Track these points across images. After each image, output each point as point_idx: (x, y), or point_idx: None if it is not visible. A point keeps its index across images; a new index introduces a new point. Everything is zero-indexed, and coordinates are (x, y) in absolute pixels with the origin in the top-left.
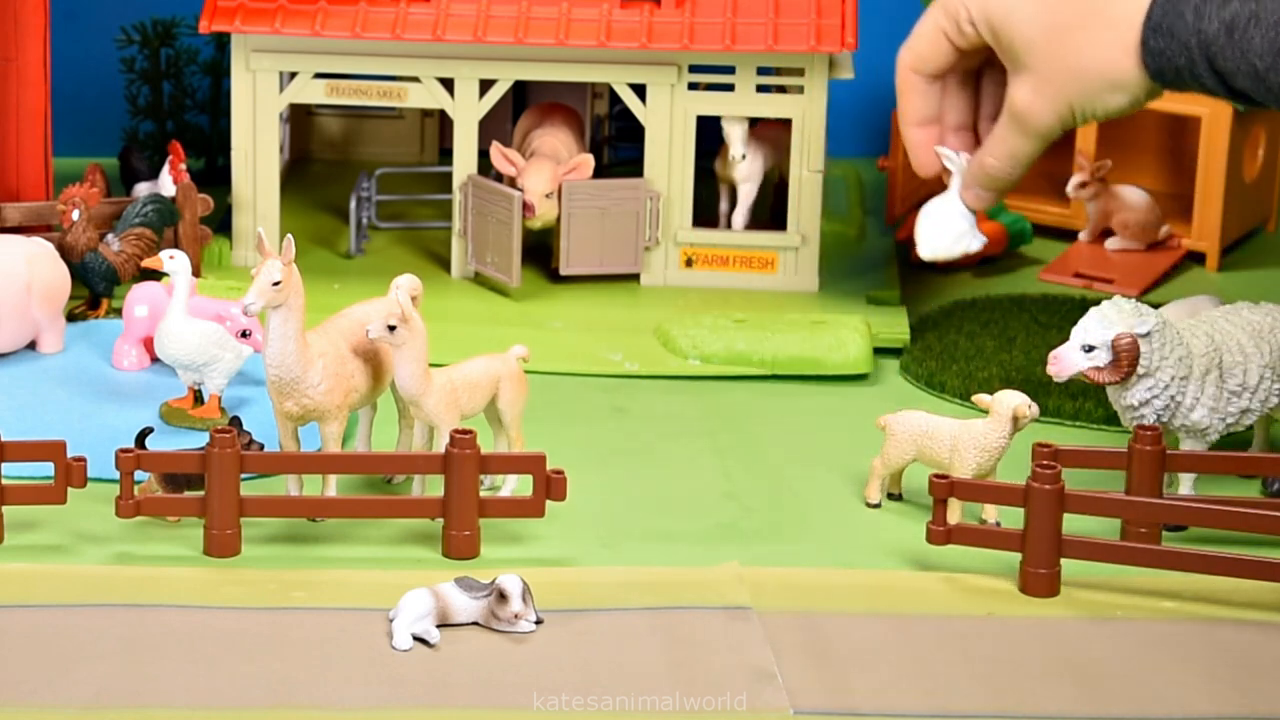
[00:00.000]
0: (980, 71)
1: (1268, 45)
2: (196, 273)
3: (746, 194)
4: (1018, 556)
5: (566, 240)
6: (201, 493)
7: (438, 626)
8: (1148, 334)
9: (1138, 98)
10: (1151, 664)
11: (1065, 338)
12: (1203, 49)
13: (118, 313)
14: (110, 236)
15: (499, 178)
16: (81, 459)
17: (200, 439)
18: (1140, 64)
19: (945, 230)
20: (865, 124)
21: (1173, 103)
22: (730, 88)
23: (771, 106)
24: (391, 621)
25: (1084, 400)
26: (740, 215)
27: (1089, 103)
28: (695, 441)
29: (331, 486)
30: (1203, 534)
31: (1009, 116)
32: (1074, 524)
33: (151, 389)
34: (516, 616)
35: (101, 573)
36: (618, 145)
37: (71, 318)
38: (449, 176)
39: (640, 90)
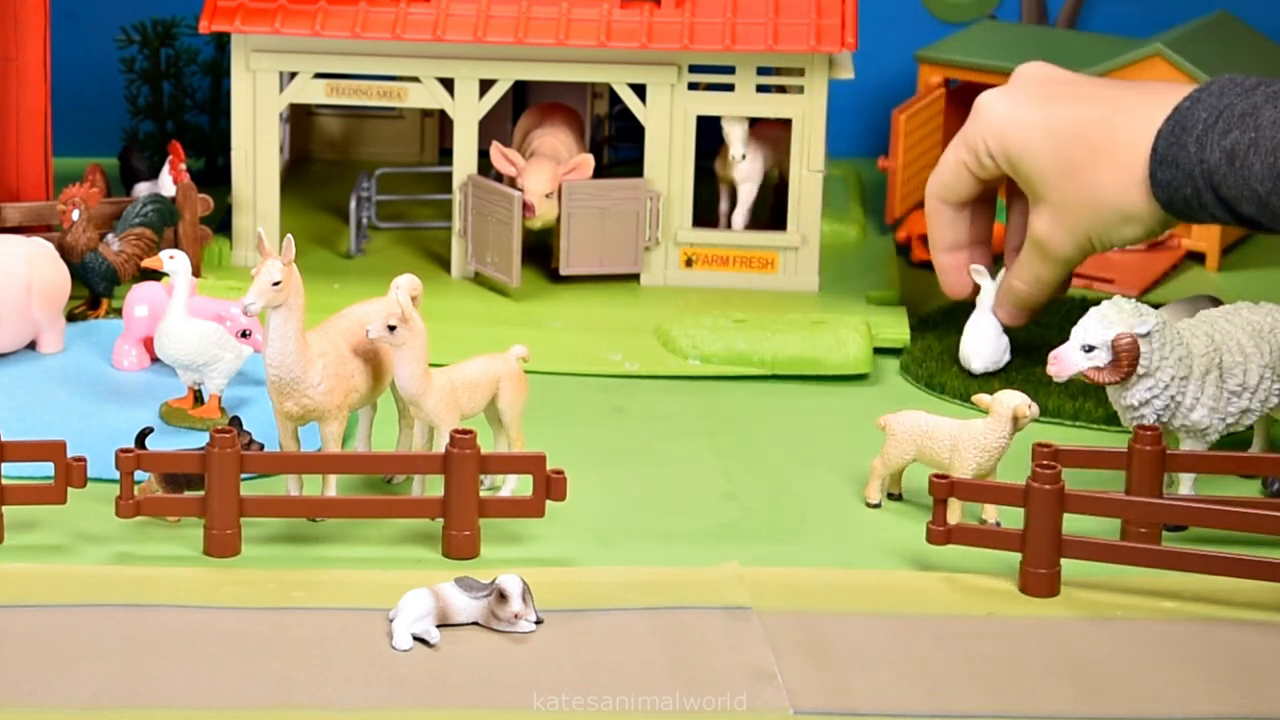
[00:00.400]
0: (1009, 202)
1: (1267, 170)
2: (196, 273)
3: (746, 194)
4: (1018, 556)
5: (566, 240)
6: (201, 493)
7: (438, 626)
8: (1148, 334)
9: (1151, 228)
10: (1151, 664)
11: (1065, 338)
12: (1206, 178)
13: (118, 313)
14: (110, 236)
15: (499, 178)
16: (81, 459)
17: (200, 439)
18: (1150, 196)
19: (990, 347)
20: (865, 124)
21: None
22: (730, 88)
23: (771, 106)
24: (391, 621)
25: (1084, 400)
26: (740, 215)
27: (1105, 234)
28: (695, 441)
29: (331, 486)
30: (1203, 534)
31: (1031, 244)
32: (1074, 524)
33: (151, 389)
34: (516, 616)
35: (101, 573)
36: (618, 145)
37: (71, 318)
38: (449, 176)
39: (640, 90)
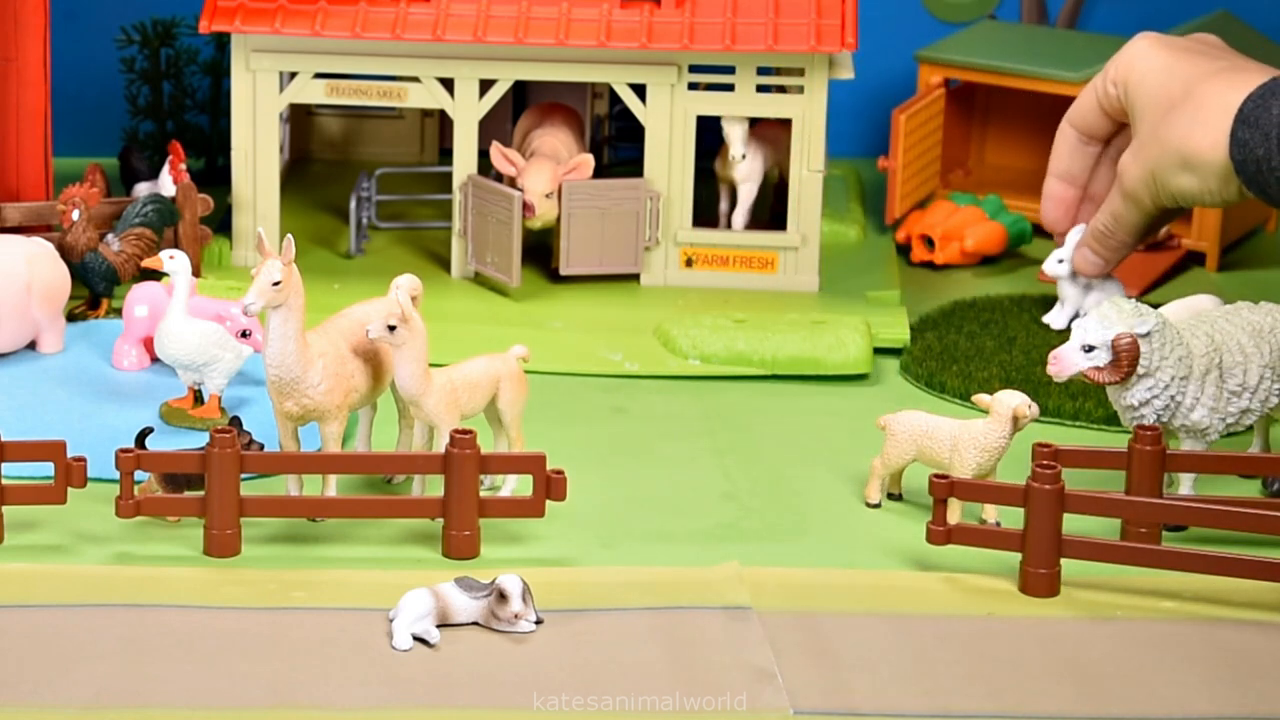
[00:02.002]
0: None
1: None
2: (196, 273)
3: (746, 194)
4: (1018, 556)
5: (566, 240)
6: (201, 493)
7: (438, 626)
8: (1148, 334)
9: (1210, 187)
10: (1151, 664)
11: (1065, 338)
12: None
13: (118, 313)
14: (110, 236)
15: (499, 178)
16: (81, 459)
17: (200, 439)
18: (1223, 152)
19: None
20: (865, 124)
21: None
22: (730, 88)
23: (771, 106)
24: (391, 621)
25: (1084, 400)
26: (740, 215)
27: (1164, 176)
28: (695, 441)
29: (331, 486)
30: (1203, 534)
31: (1116, 177)
32: (1074, 524)
33: (151, 389)
34: (516, 616)
35: (101, 573)
36: (618, 145)
37: (71, 318)
38: (449, 176)
39: (640, 90)
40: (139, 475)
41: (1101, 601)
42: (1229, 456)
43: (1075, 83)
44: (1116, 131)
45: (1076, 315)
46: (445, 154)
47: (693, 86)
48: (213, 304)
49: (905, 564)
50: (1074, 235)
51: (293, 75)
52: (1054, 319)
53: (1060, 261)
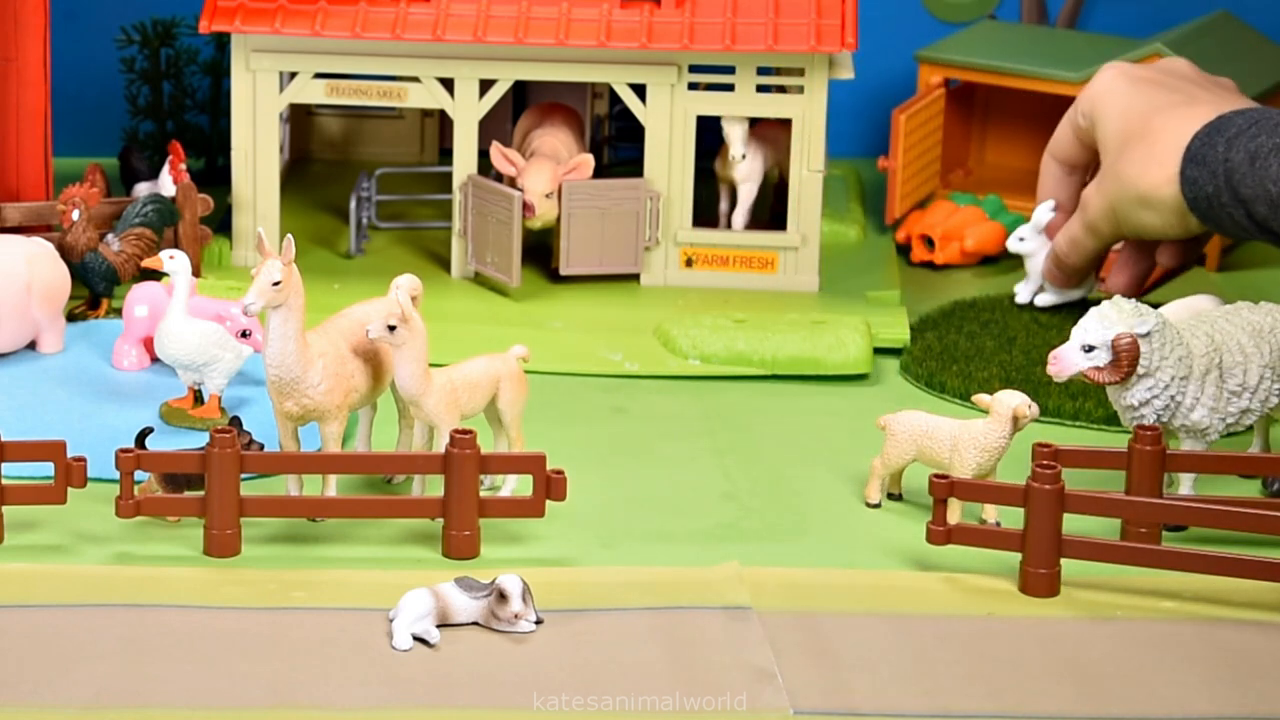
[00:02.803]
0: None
1: None
2: (196, 273)
3: (746, 194)
4: (1018, 556)
5: (566, 240)
6: (201, 493)
7: (438, 626)
8: (1148, 334)
9: (1170, 222)
10: (1151, 664)
11: (1065, 338)
12: (1228, 176)
13: (118, 313)
14: (110, 236)
15: (499, 178)
16: (81, 459)
17: (200, 439)
18: (1176, 189)
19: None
20: (865, 124)
21: None
22: (730, 88)
23: (771, 106)
24: (391, 621)
25: (1084, 400)
26: (740, 215)
27: (1124, 211)
28: (695, 441)
29: (331, 486)
30: (1203, 534)
31: (1080, 203)
32: (1074, 524)
33: (151, 389)
34: (516, 616)
35: (101, 573)
36: (618, 145)
37: (71, 318)
38: (449, 176)
39: (640, 90)
40: (139, 475)
41: (1101, 601)
42: (1229, 456)
43: (1075, 83)
44: (1096, 160)
45: (1040, 290)
46: (445, 154)
47: (693, 86)
48: (213, 304)
49: (905, 564)
50: (1040, 212)
51: (293, 75)
52: (1020, 292)
53: (1021, 239)
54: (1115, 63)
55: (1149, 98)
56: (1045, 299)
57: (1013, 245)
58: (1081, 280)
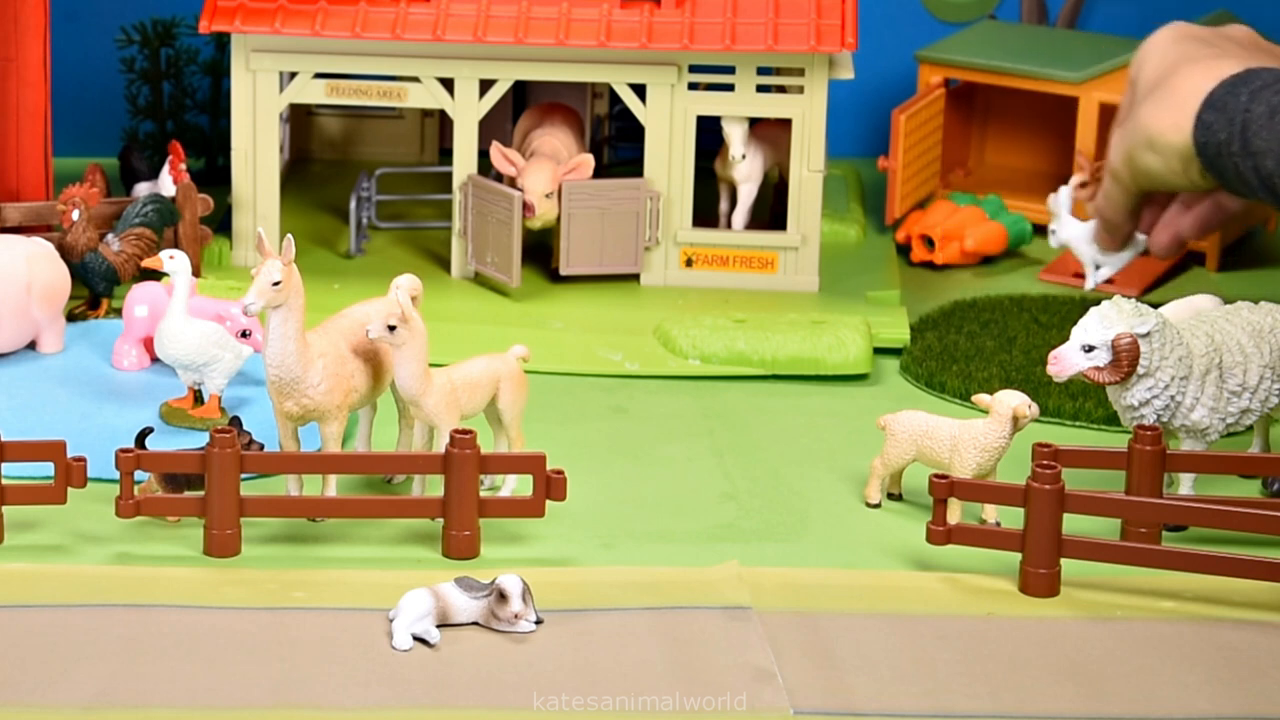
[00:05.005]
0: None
1: None
2: (196, 273)
3: (746, 194)
4: (1018, 556)
5: (566, 240)
6: (201, 493)
7: (438, 626)
8: (1148, 334)
9: (1172, 168)
10: (1151, 664)
11: (1065, 338)
12: (1244, 126)
13: (118, 313)
14: (110, 236)
15: (499, 178)
16: (81, 459)
17: (200, 439)
18: (1188, 139)
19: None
20: (865, 124)
21: None
22: (730, 88)
23: (771, 106)
24: (391, 621)
25: (1084, 400)
26: (740, 215)
27: (1134, 154)
28: (695, 441)
29: (331, 486)
30: (1203, 534)
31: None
32: (1074, 524)
33: (151, 389)
34: (516, 616)
35: (101, 573)
36: (618, 145)
37: (71, 318)
38: (449, 176)
39: (640, 90)
40: (139, 475)
41: (1101, 601)
42: (1229, 456)
43: (1075, 83)
44: None
45: (1098, 268)
46: (445, 154)
47: (693, 86)
48: (213, 304)
49: (905, 564)
50: (1054, 200)
51: (293, 75)
52: (1087, 281)
53: (1053, 231)
54: (1177, 23)
55: (1184, 50)
56: (1105, 272)
57: (1053, 242)
58: (1125, 238)
